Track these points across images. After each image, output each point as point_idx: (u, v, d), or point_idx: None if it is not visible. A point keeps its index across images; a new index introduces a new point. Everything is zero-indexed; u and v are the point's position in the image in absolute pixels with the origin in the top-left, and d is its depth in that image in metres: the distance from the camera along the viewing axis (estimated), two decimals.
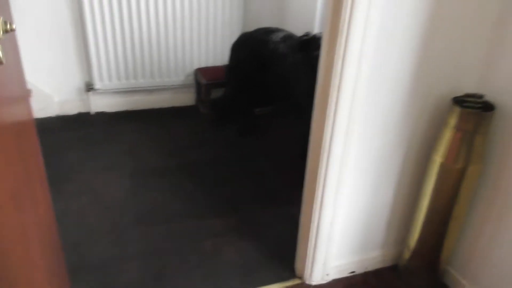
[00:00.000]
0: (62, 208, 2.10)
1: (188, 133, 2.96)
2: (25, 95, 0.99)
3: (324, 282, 1.78)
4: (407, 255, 1.77)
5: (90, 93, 3.08)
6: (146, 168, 2.51)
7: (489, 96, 1.44)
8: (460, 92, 1.47)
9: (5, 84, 0.81)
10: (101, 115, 3.15)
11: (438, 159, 1.49)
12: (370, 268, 1.86)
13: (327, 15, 1.31)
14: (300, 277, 1.80)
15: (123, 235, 1.98)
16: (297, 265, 1.81)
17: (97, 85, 3.04)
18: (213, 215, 2.14)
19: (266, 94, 2.69)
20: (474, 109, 1.41)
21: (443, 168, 1.49)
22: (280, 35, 2.52)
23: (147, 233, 2.00)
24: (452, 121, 1.42)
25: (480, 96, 1.43)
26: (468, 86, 1.48)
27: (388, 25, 1.30)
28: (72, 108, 3.13)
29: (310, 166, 1.57)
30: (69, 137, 2.80)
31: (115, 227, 2.02)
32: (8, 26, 0.80)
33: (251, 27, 2.87)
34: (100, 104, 3.17)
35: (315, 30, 2.74)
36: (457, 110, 1.40)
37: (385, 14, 1.28)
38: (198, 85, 3.21)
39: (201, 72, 3.11)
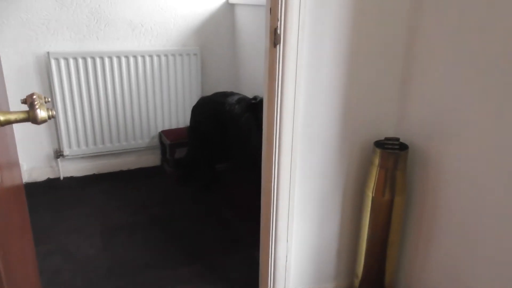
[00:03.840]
0: None
1: (155, 191, 3.13)
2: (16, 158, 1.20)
3: None
4: (356, 284, 1.97)
5: (59, 159, 3.25)
6: (115, 226, 2.66)
7: (404, 139, 1.75)
8: (381, 137, 1.78)
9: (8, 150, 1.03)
10: (70, 180, 3.29)
11: (369, 193, 1.77)
12: None
13: (264, 83, 1.61)
14: None
15: None
16: None
17: (66, 151, 3.20)
18: (181, 264, 2.29)
19: (225, 150, 2.93)
20: (392, 150, 1.71)
21: (374, 201, 1.76)
22: (235, 98, 2.80)
23: (119, 286, 2.13)
24: (376, 160, 1.71)
25: (397, 139, 1.74)
26: (387, 132, 1.80)
27: (312, 88, 1.62)
28: (41, 174, 3.26)
29: (263, 206, 1.82)
30: (39, 202, 2.91)
31: (88, 282, 2.14)
32: None
33: (209, 92, 3.18)
34: (69, 169, 3.32)
35: None
36: (378, 151, 1.70)
37: (309, 81, 1.60)
38: (163, 146, 3.44)
39: (164, 134, 3.35)
